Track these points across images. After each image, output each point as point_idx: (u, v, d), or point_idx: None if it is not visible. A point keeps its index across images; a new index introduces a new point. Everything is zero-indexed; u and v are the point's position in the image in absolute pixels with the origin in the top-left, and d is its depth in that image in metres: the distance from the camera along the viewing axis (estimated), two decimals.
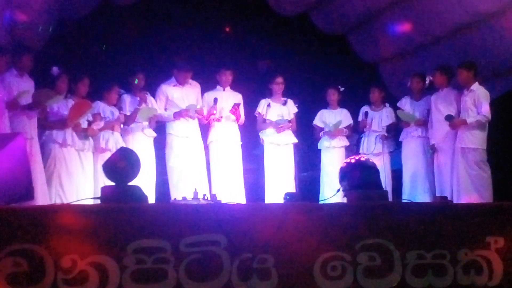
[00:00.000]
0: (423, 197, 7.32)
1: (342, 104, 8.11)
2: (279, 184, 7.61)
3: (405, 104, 7.75)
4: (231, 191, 7.47)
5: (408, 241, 4.50)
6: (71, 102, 6.99)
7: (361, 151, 7.79)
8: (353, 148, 8.12)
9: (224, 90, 7.74)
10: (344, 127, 7.90)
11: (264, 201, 7.64)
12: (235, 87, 7.85)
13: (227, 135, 7.66)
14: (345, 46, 9.35)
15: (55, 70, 6.87)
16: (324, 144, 7.88)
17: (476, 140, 6.97)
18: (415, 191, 7.49)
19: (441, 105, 7.36)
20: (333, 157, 7.82)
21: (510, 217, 4.67)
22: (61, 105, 6.95)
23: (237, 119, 7.69)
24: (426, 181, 7.52)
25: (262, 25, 9.11)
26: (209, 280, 4.27)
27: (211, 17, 8.98)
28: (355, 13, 8.57)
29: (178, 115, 7.46)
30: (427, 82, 7.60)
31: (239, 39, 9.19)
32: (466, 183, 6.93)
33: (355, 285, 4.40)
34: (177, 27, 8.89)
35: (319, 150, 8.01)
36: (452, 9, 7.32)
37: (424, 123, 7.57)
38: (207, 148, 7.71)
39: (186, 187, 7.14)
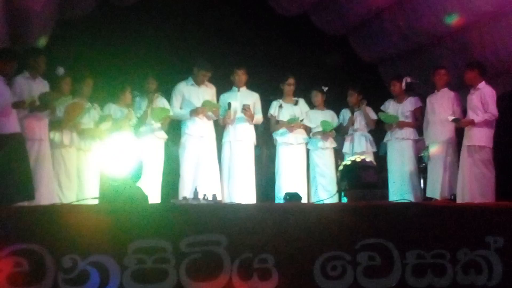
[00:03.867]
0: (408, 198, 7.32)
1: (341, 104, 8.11)
2: (292, 183, 7.59)
3: (388, 107, 7.84)
4: (243, 192, 7.46)
5: (407, 240, 4.50)
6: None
7: (344, 151, 7.81)
8: (336, 149, 8.11)
9: (238, 90, 7.73)
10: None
11: (273, 201, 7.61)
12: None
13: (242, 135, 7.64)
14: (345, 47, 9.36)
15: (60, 70, 6.85)
16: (318, 145, 7.88)
17: (483, 138, 6.94)
18: (401, 192, 7.50)
19: (437, 106, 7.39)
20: (325, 157, 7.84)
21: (509, 217, 4.68)
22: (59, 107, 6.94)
23: (250, 120, 7.64)
24: (412, 182, 7.57)
25: (262, 25, 9.10)
26: (209, 280, 4.28)
27: (211, 18, 8.98)
28: (355, 14, 8.58)
29: (194, 112, 7.43)
30: (403, 84, 7.67)
31: (240, 39, 9.18)
32: (470, 181, 6.92)
33: (355, 284, 4.41)
34: (177, 28, 8.89)
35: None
36: (452, 9, 7.32)
37: (407, 124, 7.63)
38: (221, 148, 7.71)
39: (198, 187, 7.10)
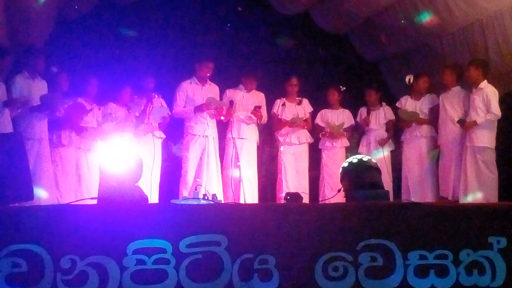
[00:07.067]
0: (425, 197, 7.27)
1: (343, 102, 8.07)
2: (295, 183, 7.55)
3: (405, 103, 7.70)
4: (245, 190, 7.42)
5: (410, 241, 4.47)
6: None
7: (360, 150, 7.75)
8: (353, 148, 8.08)
9: (245, 89, 7.66)
10: (347, 128, 7.85)
11: (275, 201, 7.58)
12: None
13: (245, 134, 7.60)
14: (346, 45, 9.34)
15: (53, 69, 6.85)
16: (326, 144, 7.84)
17: (485, 139, 6.90)
18: (418, 190, 7.44)
19: (448, 105, 7.30)
20: (334, 157, 7.78)
21: None
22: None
23: (259, 120, 7.59)
24: (429, 181, 7.48)
25: (263, 23, 9.09)
26: (209, 280, 4.25)
27: (212, 16, 8.96)
28: (357, 12, 8.55)
29: (198, 109, 7.38)
30: (407, 81, 7.58)
31: (241, 37, 9.16)
32: (473, 182, 6.88)
33: (357, 285, 4.38)
34: (178, 26, 8.87)
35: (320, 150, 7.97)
36: (454, 7, 7.29)
37: (426, 122, 7.54)
38: (222, 148, 7.67)
39: (199, 186, 7.07)
